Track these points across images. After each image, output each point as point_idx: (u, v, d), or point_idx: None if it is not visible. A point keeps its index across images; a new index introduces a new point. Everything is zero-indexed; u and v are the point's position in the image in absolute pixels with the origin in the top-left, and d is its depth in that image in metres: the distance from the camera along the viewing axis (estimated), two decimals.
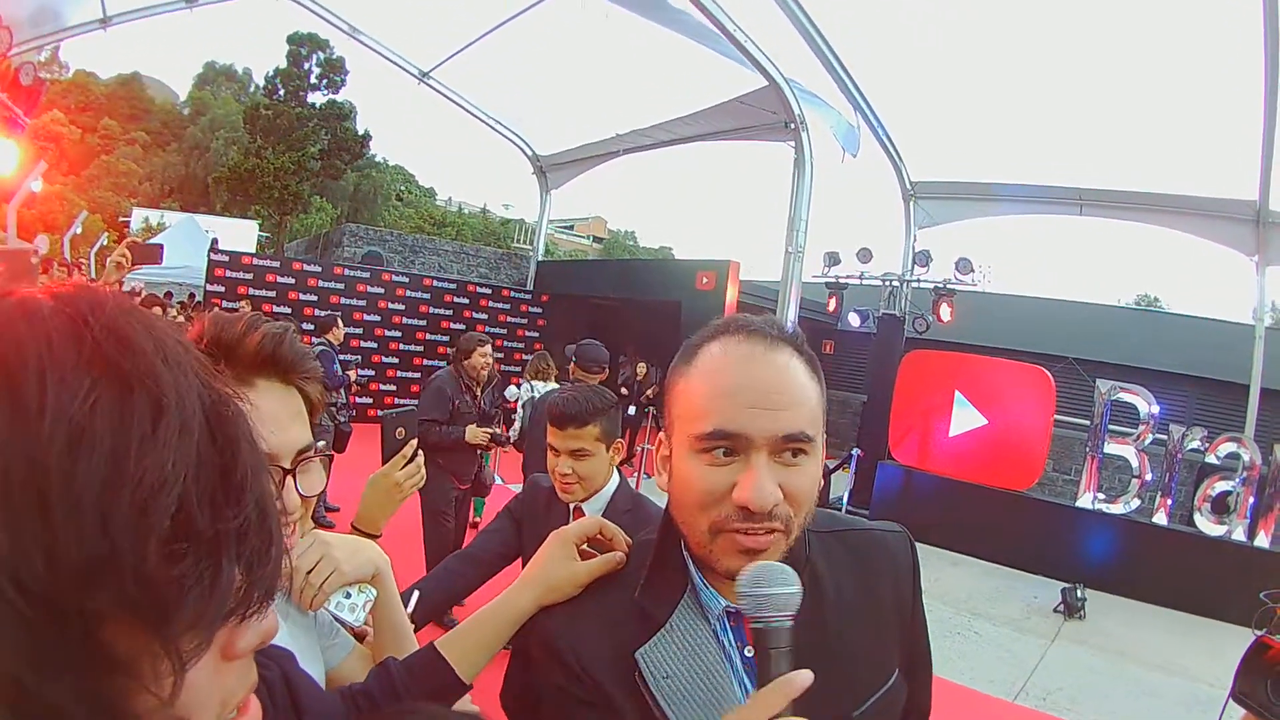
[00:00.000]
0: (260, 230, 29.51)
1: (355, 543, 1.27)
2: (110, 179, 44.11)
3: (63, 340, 0.40)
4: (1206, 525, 8.28)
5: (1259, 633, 1.55)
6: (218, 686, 0.45)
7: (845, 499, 9.94)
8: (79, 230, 26.49)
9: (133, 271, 3.64)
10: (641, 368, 11.73)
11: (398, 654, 1.25)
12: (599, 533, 1.19)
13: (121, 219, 35.06)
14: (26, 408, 0.37)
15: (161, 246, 4.09)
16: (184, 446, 0.40)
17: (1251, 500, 8.11)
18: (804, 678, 0.84)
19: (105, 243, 26.65)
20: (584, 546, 1.17)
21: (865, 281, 11.31)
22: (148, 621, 0.39)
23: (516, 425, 6.69)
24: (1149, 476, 8.67)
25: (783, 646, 0.89)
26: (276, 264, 13.85)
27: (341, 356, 8.81)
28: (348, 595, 1.24)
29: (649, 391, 12.49)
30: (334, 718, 1.00)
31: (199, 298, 15.34)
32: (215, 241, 15.20)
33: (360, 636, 1.39)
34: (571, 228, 58.29)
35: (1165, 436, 8.79)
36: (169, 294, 17.46)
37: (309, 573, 1.17)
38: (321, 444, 1.14)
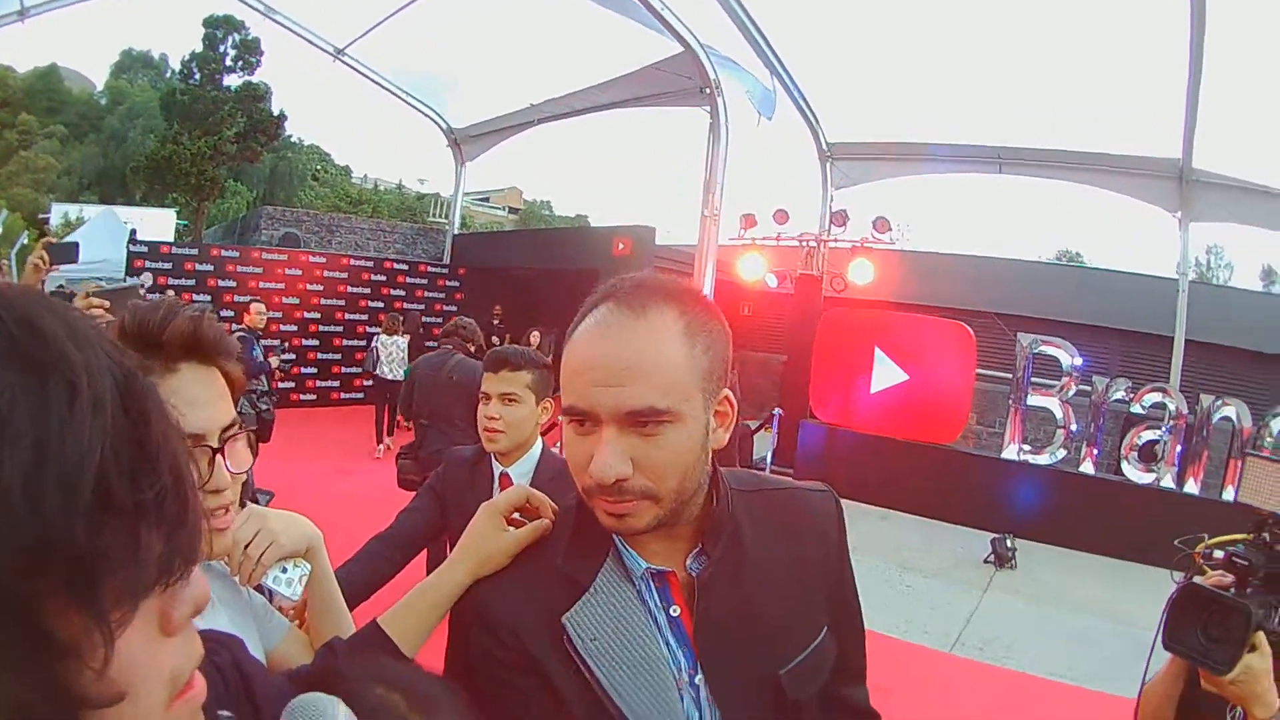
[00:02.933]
0: (178, 218, 28.85)
1: (290, 517, 1.29)
2: (29, 175, 42.66)
3: None
4: (1134, 473, 8.51)
5: (1178, 578, 1.57)
6: (162, 662, 0.46)
7: (769, 458, 10.03)
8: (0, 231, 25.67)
9: (52, 272, 3.60)
10: (535, 336, 11.74)
11: (334, 630, 1.29)
12: (526, 502, 1.20)
13: (41, 215, 34.02)
14: None
15: (77, 244, 4.20)
16: (98, 421, 0.41)
17: (1179, 448, 8.34)
18: None
19: (26, 242, 25.82)
20: (514, 515, 1.19)
21: (783, 242, 11.36)
22: (80, 597, 0.40)
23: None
24: (1074, 427, 8.87)
25: None
26: (195, 251, 13.67)
27: (264, 342, 8.71)
28: (284, 570, 1.25)
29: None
30: (286, 700, 1.01)
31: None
32: (134, 233, 14.82)
33: (293, 618, 1.40)
34: (487, 199, 57.59)
35: (1089, 388, 8.98)
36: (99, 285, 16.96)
37: (247, 545, 1.19)
38: (246, 414, 1.15)
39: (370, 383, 11.48)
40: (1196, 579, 1.54)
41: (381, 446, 10.40)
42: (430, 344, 9.31)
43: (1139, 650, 1.70)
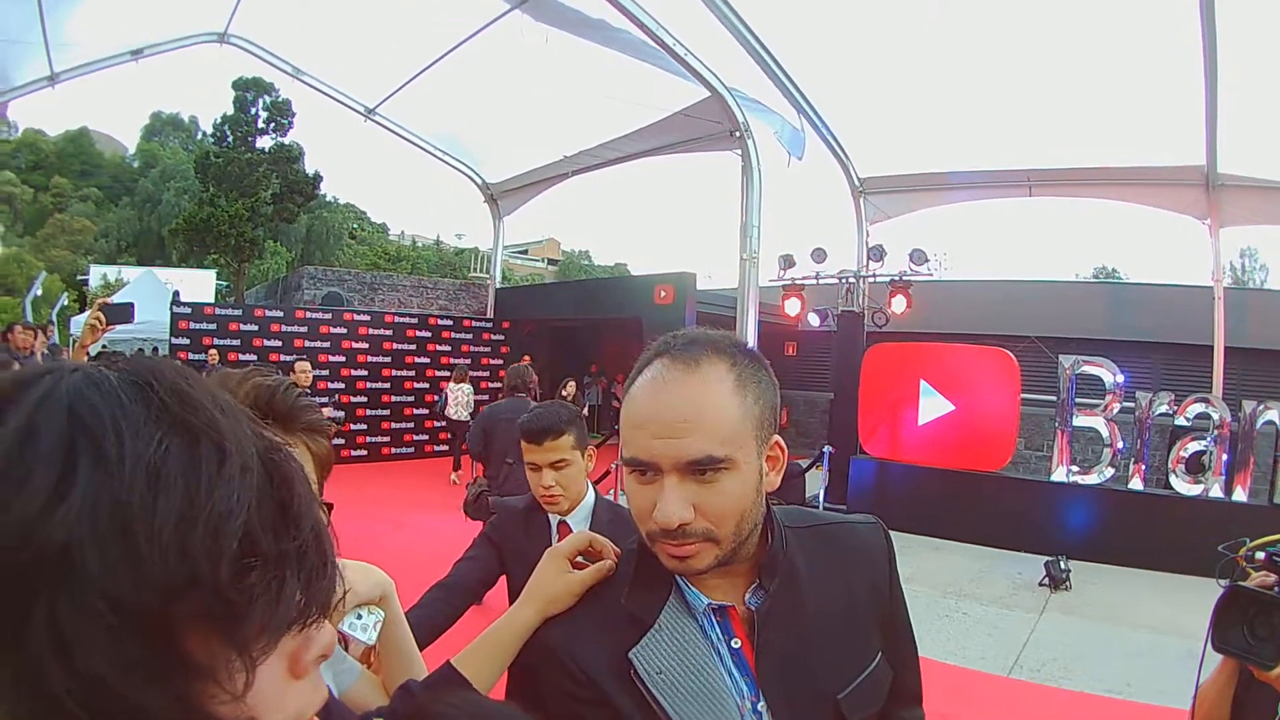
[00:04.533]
0: (218, 279, 29.21)
1: (363, 567, 1.33)
2: (66, 237, 43.53)
3: (132, 401, 0.46)
4: (1182, 486, 8.44)
5: (1223, 583, 1.62)
6: (290, 699, 0.51)
7: (821, 496, 10.01)
8: (39, 292, 26.13)
9: (107, 333, 3.65)
10: (571, 387, 11.89)
11: (408, 673, 1.32)
12: (589, 545, 1.25)
13: (79, 277, 34.59)
14: (108, 458, 0.43)
15: (132, 305, 4.11)
16: (246, 483, 0.47)
17: (1225, 457, 8.25)
18: None
19: (65, 303, 26.28)
20: (577, 559, 1.24)
21: (822, 281, 11.39)
22: (222, 628, 0.45)
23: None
24: (1121, 445, 8.81)
25: None
26: (239, 312, 13.88)
27: (317, 399, 8.81)
28: (359, 616, 1.29)
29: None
30: None
31: (163, 352, 15.19)
32: (177, 294, 15.09)
33: (363, 662, 1.44)
34: (526, 252, 57.97)
35: (1133, 404, 8.92)
36: (140, 350, 17.27)
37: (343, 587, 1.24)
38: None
39: (442, 423, 12.96)
40: (1240, 582, 1.58)
41: (455, 475, 12.03)
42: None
43: (1194, 659, 1.74)
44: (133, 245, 42.95)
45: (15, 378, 0.47)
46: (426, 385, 14.44)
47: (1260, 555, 1.65)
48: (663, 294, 12.20)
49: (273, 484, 0.49)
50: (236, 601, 0.45)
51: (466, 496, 6.29)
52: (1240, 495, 8.16)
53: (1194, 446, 8.50)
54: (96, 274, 30.88)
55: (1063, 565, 7.64)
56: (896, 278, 10.89)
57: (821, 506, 9.34)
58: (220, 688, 0.45)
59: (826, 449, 10.11)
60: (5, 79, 11.14)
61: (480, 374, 14.59)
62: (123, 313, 3.76)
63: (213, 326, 12.82)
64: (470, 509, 6.24)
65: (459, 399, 12.05)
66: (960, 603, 7.19)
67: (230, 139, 30.24)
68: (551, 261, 59.61)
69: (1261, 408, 8.22)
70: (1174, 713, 4.43)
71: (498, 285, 17.37)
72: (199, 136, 45.77)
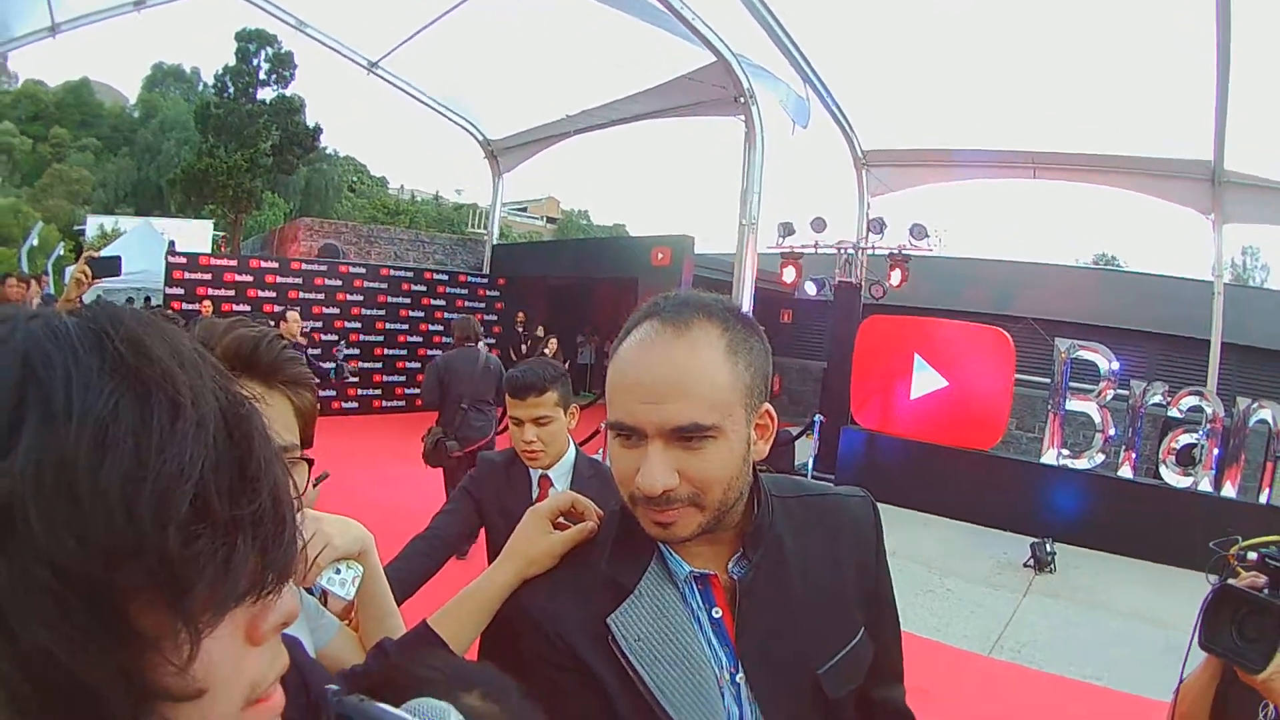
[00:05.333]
0: (215, 229, 29.05)
1: (343, 521, 1.30)
2: (64, 187, 43.16)
3: (87, 352, 0.43)
4: (1172, 477, 8.43)
5: (1213, 580, 1.59)
6: (245, 669, 0.49)
7: (810, 464, 10.02)
8: (35, 242, 25.95)
9: (94, 286, 3.63)
10: (553, 344, 11.92)
11: (385, 630, 1.31)
12: (571, 506, 1.23)
13: (76, 227, 34.38)
14: (55, 413, 0.40)
15: (119, 258, 4.15)
16: (200, 441, 0.44)
17: (1216, 451, 8.25)
18: None
19: (62, 252, 26.13)
20: (559, 519, 1.22)
21: (821, 250, 11.35)
22: (169, 596, 0.42)
23: None
24: (1113, 431, 8.80)
25: None
26: (234, 263, 13.79)
27: (310, 351, 8.82)
28: (337, 571, 1.27)
29: None
30: None
31: (156, 301, 15.13)
32: (172, 244, 15.00)
33: (342, 618, 1.43)
34: (525, 209, 57.32)
35: (1127, 392, 8.91)
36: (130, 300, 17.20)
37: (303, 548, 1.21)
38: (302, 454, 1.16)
39: None
40: (1230, 581, 1.55)
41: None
42: None
43: (1176, 654, 1.72)
44: (131, 195, 42.77)
45: None
46: (420, 339, 14.31)
47: (1252, 555, 1.63)
48: (660, 256, 12.12)
49: (232, 442, 0.46)
50: (183, 570, 0.42)
51: (425, 447, 6.49)
52: (1230, 491, 8.16)
53: (1185, 439, 8.51)
54: (93, 224, 30.67)
55: (1048, 548, 7.66)
56: (895, 251, 10.85)
57: (810, 475, 9.38)
58: (165, 659, 0.43)
59: (817, 418, 10.12)
60: (5, 29, 11.00)
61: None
62: (110, 266, 3.80)
63: (207, 277, 12.72)
64: (430, 457, 6.50)
65: None
66: (945, 579, 7.21)
67: (231, 90, 30.12)
68: (550, 220, 59.23)
69: (1255, 405, 8.22)
70: (1151, 704, 4.49)
71: (495, 241, 17.26)
72: (200, 88, 45.42)
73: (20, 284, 7.89)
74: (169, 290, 12.49)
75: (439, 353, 11.54)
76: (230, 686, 0.47)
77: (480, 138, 16.39)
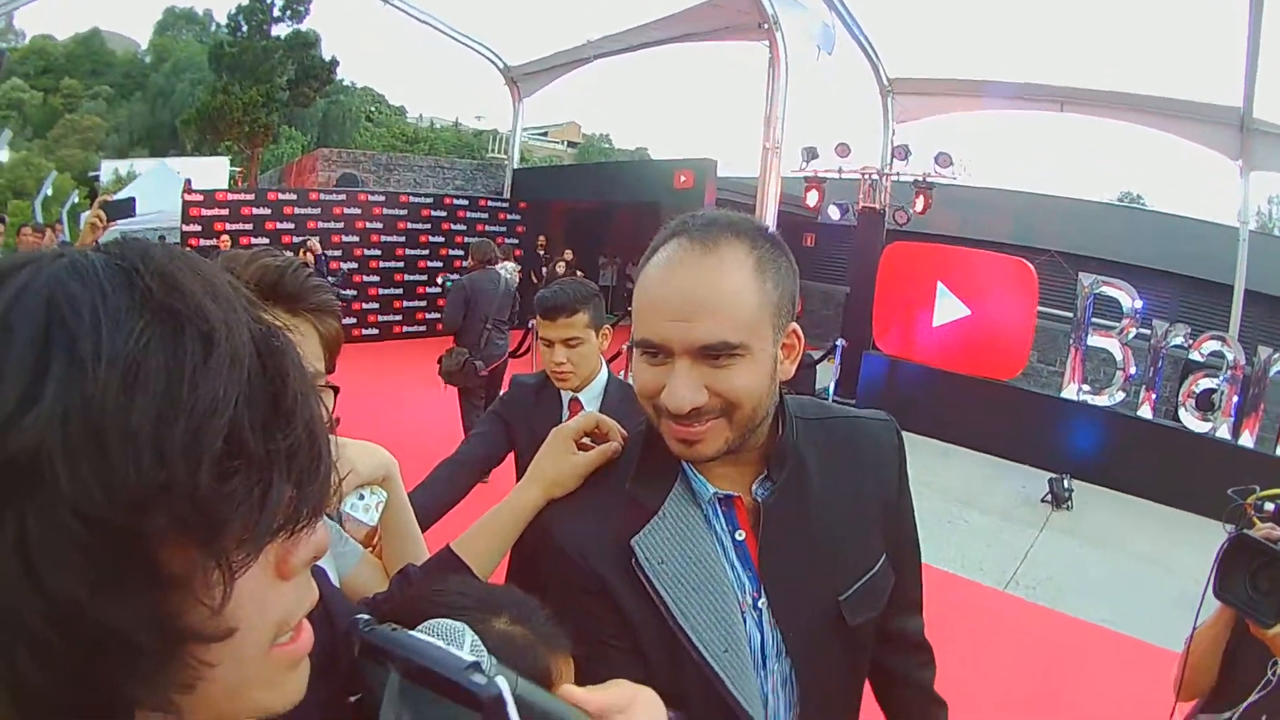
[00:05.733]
0: (231, 165, 29.00)
1: (366, 446, 1.31)
2: (76, 136, 43.07)
3: (115, 289, 0.42)
4: (1191, 421, 8.36)
5: (1229, 529, 1.57)
6: (274, 604, 0.48)
7: (831, 389, 10.02)
8: (49, 192, 25.96)
9: (109, 229, 3.63)
10: (561, 265, 11.96)
11: (409, 556, 1.31)
12: (596, 427, 1.22)
13: (91, 174, 34.34)
14: (83, 358, 0.39)
15: (133, 200, 4.15)
16: (234, 375, 0.43)
17: (1236, 398, 8.17)
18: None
19: (76, 200, 26.14)
20: (583, 440, 1.21)
21: (844, 176, 11.22)
22: (200, 537, 0.41)
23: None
24: (1133, 370, 8.72)
25: None
26: (251, 196, 13.72)
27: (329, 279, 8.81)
28: (361, 496, 1.28)
29: None
30: None
31: (173, 239, 15.18)
32: (188, 182, 14.98)
33: (365, 544, 1.43)
34: (545, 134, 56.71)
35: (1149, 331, 8.81)
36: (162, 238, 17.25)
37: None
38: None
39: None
40: (1247, 531, 1.54)
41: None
42: None
43: (1185, 601, 1.71)
44: (145, 139, 42.66)
45: None
46: (440, 264, 14.24)
47: (1270, 506, 1.62)
48: (682, 179, 12.01)
49: (266, 375, 0.45)
50: (216, 508, 0.41)
51: (446, 367, 6.61)
52: (1247, 440, 8.09)
53: (1205, 383, 8.42)
54: (108, 169, 30.63)
55: (1066, 484, 7.65)
56: (920, 179, 10.71)
57: (831, 400, 9.36)
58: (198, 600, 0.42)
59: (839, 342, 10.09)
60: None
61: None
62: (124, 208, 3.80)
63: (224, 212, 12.67)
64: (455, 377, 6.61)
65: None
66: (963, 510, 7.25)
67: (245, 29, 30.01)
68: (571, 144, 58.55)
69: (1276, 355, 8.13)
70: (1161, 652, 4.51)
71: (515, 166, 17.13)
72: (213, 28, 45.02)
73: (35, 234, 7.96)
74: (185, 228, 12.45)
75: (456, 277, 11.65)
76: (257, 624, 0.47)
77: (500, 64, 16.18)
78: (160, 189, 20.66)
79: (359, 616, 0.69)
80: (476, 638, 0.69)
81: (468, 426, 6.65)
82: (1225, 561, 1.49)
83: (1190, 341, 8.53)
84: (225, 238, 11.74)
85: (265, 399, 0.44)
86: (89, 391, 0.38)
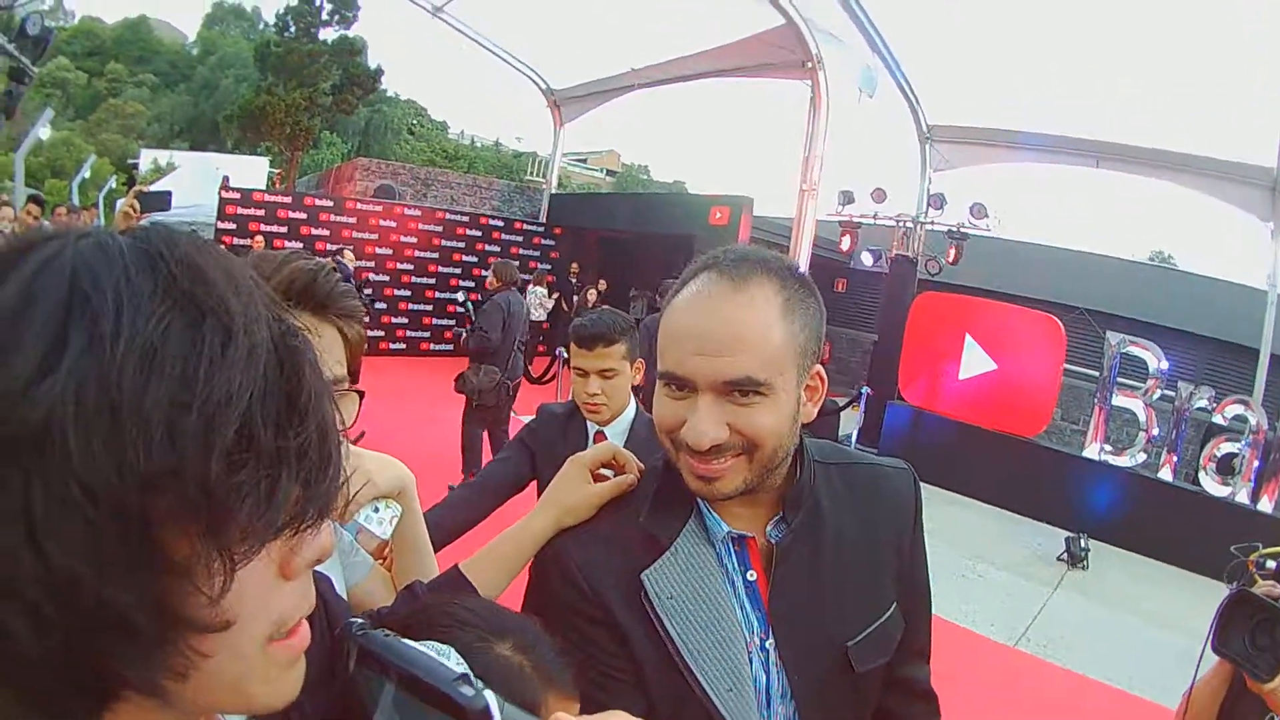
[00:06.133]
0: (271, 167, 29.22)
1: (384, 459, 1.31)
2: (118, 121, 43.57)
3: (139, 273, 0.42)
4: (1211, 485, 8.25)
5: (1231, 586, 1.58)
6: (274, 602, 0.49)
7: (855, 436, 9.98)
8: (87, 175, 26.26)
9: (142, 220, 3.66)
10: (592, 294, 11.96)
11: (419, 572, 1.29)
12: (613, 458, 1.22)
13: (130, 161, 34.74)
14: (102, 335, 0.40)
15: (169, 193, 4.12)
16: (250, 369, 0.43)
17: (1257, 463, 8.05)
18: None
19: (114, 185, 26.47)
20: (600, 470, 1.21)
21: (879, 222, 11.23)
22: (205, 525, 0.41)
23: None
24: (1156, 431, 8.63)
25: None
26: (288, 199, 13.83)
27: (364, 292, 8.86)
28: (376, 509, 1.27)
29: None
30: None
31: (206, 236, 15.36)
32: (226, 179, 15.13)
33: (376, 557, 1.42)
34: (585, 161, 57.21)
35: (1173, 393, 8.72)
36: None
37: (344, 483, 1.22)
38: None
39: None
40: (1248, 587, 1.55)
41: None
42: None
43: (1193, 660, 1.72)
44: (186, 130, 43.19)
45: (20, 241, 0.44)
46: (472, 284, 14.23)
47: (1271, 564, 1.63)
48: (718, 215, 12.06)
49: (282, 373, 0.46)
50: (224, 498, 0.42)
51: (477, 384, 6.53)
52: (1266, 505, 7.96)
53: (1227, 447, 8.29)
54: (147, 158, 30.96)
55: (1083, 543, 7.55)
56: (954, 228, 10.71)
57: (853, 447, 9.33)
58: (197, 588, 0.42)
59: (865, 390, 10.05)
60: None
61: (526, 278, 14.53)
62: (159, 201, 3.79)
63: (260, 212, 12.76)
64: (489, 395, 6.54)
65: (536, 301, 11.92)
66: (977, 564, 7.16)
67: (293, 29, 30.25)
68: (610, 172, 58.92)
69: None
70: (1171, 713, 4.44)
71: (553, 190, 17.18)
72: (260, 26, 45.61)
73: (70, 216, 7.96)
74: (221, 225, 12.52)
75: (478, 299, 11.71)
76: (257, 620, 0.47)
77: (544, 86, 16.31)
78: (199, 182, 20.85)
79: (353, 620, 0.69)
80: (462, 660, 0.68)
81: (467, 445, 6.68)
82: (1225, 617, 1.50)
83: (1214, 405, 8.43)
84: (259, 239, 11.88)
85: (280, 396, 0.45)
86: (106, 369, 0.39)
